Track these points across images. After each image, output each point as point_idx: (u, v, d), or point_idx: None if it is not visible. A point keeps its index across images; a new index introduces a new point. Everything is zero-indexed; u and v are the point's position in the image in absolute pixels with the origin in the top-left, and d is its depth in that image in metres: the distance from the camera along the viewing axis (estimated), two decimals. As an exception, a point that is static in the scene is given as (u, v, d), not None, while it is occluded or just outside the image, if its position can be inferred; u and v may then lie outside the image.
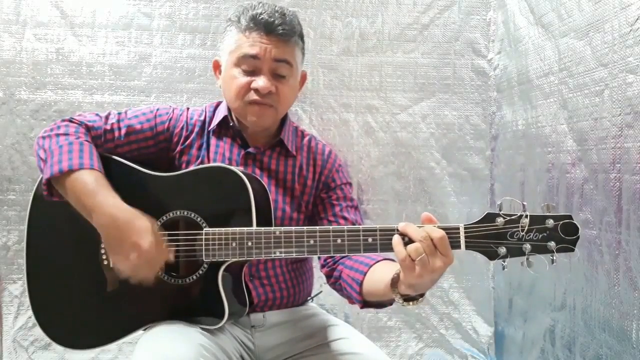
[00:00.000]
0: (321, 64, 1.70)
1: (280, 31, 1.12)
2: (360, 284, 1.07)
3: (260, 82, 1.12)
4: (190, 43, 1.68)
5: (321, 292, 1.30)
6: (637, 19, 1.05)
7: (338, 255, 1.16)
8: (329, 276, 1.20)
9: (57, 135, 1.08)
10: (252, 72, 1.14)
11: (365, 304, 1.09)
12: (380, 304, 1.09)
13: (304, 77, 1.29)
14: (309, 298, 1.34)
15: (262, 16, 1.12)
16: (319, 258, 1.22)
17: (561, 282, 1.35)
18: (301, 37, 1.21)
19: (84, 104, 1.65)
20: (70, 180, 1.01)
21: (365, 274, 1.08)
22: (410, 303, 0.96)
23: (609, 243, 1.15)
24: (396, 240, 0.91)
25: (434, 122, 1.73)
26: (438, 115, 1.73)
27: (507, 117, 1.66)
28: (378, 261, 1.09)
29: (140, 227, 0.97)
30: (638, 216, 1.06)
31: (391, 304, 1.07)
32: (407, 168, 1.73)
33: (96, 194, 0.99)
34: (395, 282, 0.95)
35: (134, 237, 0.95)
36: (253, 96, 1.14)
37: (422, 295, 0.96)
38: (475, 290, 1.75)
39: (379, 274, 1.04)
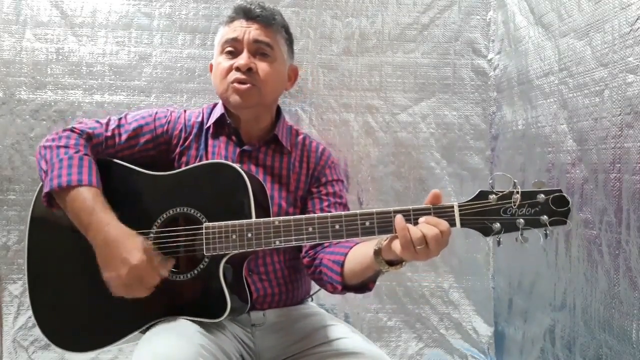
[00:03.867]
0: (321, 64, 1.70)
1: (259, 13, 1.19)
2: (342, 265, 1.10)
3: (241, 60, 1.17)
4: (190, 43, 1.68)
5: (320, 289, 1.30)
6: (637, 19, 1.05)
7: (320, 247, 1.19)
8: (309, 266, 1.21)
9: (58, 147, 1.10)
10: (235, 56, 1.19)
11: (345, 287, 1.11)
12: (360, 287, 1.11)
13: (294, 71, 1.31)
14: (308, 296, 1.34)
15: (240, 5, 1.22)
16: (301, 249, 1.23)
17: (561, 282, 1.35)
18: (285, 29, 1.26)
19: (84, 104, 1.65)
20: (69, 196, 1.04)
21: (346, 254, 1.10)
22: (394, 267, 1.00)
23: (609, 243, 1.15)
24: (400, 224, 0.92)
25: (434, 122, 1.73)
26: (438, 115, 1.73)
27: (507, 117, 1.66)
28: (356, 243, 1.11)
29: (130, 244, 0.99)
30: (638, 216, 1.06)
31: (370, 289, 1.11)
32: (407, 168, 1.73)
33: (92, 212, 1.02)
34: (378, 252, 0.99)
35: (123, 254, 0.98)
36: (235, 75, 1.18)
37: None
38: (475, 290, 1.75)
39: (360, 250, 1.07)
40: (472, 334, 1.75)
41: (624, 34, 1.09)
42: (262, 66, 1.19)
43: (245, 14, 1.20)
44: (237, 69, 1.17)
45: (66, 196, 1.04)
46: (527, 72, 1.51)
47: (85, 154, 1.10)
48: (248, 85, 1.17)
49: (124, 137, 1.18)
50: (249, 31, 1.19)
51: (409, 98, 1.73)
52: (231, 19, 1.22)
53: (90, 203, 1.02)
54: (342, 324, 1.22)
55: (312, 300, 1.36)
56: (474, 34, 1.74)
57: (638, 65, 1.05)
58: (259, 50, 1.19)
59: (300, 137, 1.32)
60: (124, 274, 0.97)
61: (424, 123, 1.73)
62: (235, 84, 1.17)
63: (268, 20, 1.20)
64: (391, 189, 1.73)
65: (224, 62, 1.20)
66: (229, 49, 1.20)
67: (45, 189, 1.05)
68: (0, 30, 1.63)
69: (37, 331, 1.60)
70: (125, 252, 0.98)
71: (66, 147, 1.10)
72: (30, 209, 1.14)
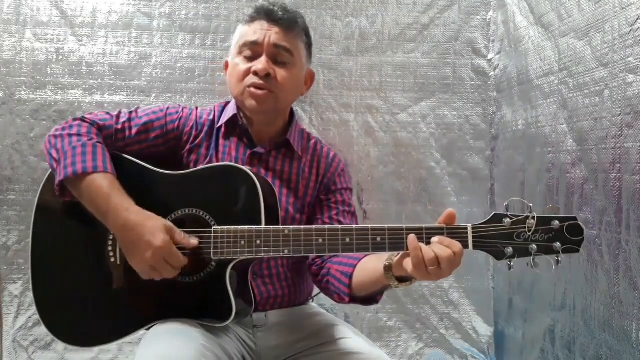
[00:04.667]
0: (321, 64, 1.70)
1: (281, 16, 1.17)
2: (350, 277, 1.09)
3: (259, 64, 1.15)
4: (190, 43, 1.68)
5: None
6: (637, 19, 1.05)
7: (327, 256, 1.18)
8: (316, 274, 1.21)
9: (70, 135, 1.08)
10: (254, 59, 1.17)
11: (352, 298, 1.10)
12: (366, 299, 1.10)
13: (310, 75, 1.30)
14: (309, 298, 1.34)
15: (263, 5, 1.19)
16: (309, 257, 1.23)
17: (561, 282, 1.35)
18: (306, 33, 1.24)
19: (84, 104, 1.65)
20: (84, 183, 1.02)
21: (355, 266, 1.09)
22: (404, 284, 0.99)
23: (609, 243, 1.15)
24: (413, 243, 0.91)
25: (434, 122, 1.73)
26: (438, 115, 1.73)
27: (507, 117, 1.66)
28: (365, 255, 1.10)
29: (152, 226, 0.98)
30: (638, 216, 1.06)
31: (377, 301, 1.11)
32: (407, 168, 1.73)
33: (110, 197, 1.00)
34: (388, 268, 0.98)
35: (146, 237, 0.96)
36: (252, 79, 1.16)
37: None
38: (475, 290, 1.75)
39: (369, 264, 1.06)
40: (472, 334, 1.75)
41: (624, 34, 1.09)
42: (280, 72, 1.17)
43: (267, 15, 1.18)
44: (255, 74, 1.15)
45: (81, 183, 1.02)
46: (527, 72, 1.51)
47: (99, 142, 1.09)
48: (265, 91, 1.15)
49: (134, 130, 1.17)
50: (270, 35, 1.16)
51: (409, 98, 1.73)
52: (252, 19, 1.19)
53: (107, 189, 1.01)
54: (343, 324, 1.22)
55: (312, 301, 1.36)
56: (474, 34, 1.74)
57: (638, 65, 1.05)
58: (278, 55, 1.17)
59: (312, 141, 1.30)
60: (149, 257, 0.96)
61: (424, 123, 1.73)
62: (252, 89, 1.15)
63: (290, 24, 1.18)
64: (391, 189, 1.73)
65: (242, 64, 1.18)
66: (248, 52, 1.18)
67: (59, 177, 1.03)
68: (0, 30, 1.63)
69: (37, 331, 1.61)
70: (148, 234, 0.96)
71: (78, 135, 1.09)
72: (36, 202, 1.13)
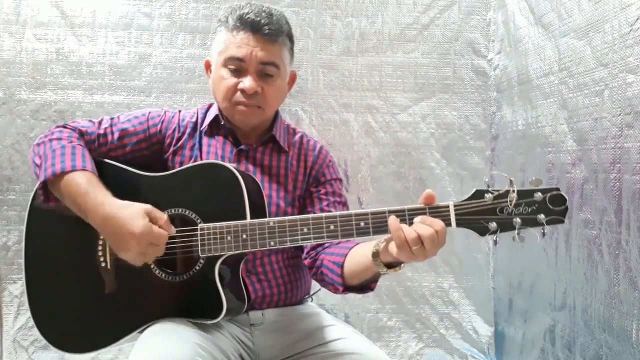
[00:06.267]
0: (321, 64, 1.70)
1: (267, 31, 1.14)
2: (342, 266, 1.09)
3: (247, 83, 1.14)
4: (190, 43, 1.68)
5: (320, 289, 1.30)
6: (637, 19, 1.05)
7: (320, 247, 1.19)
8: (311, 267, 1.21)
9: (51, 140, 1.10)
10: (239, 73, 1.16)
11: (347, 288, 1.11)
12: (361, 287, 1.10)
13: (293, 77, 1.30)
14: (307, 296, 1.34)
15: (248, 16, 1.14)
16: (301, 249, 1.24)
17: (561, 282, 1.35)
18: (290, 37, 1.22)
19: (84, 104, 1.65)
20: (64, 182, 1.03)
21: (345, 256, 1.10)
22: (393, 269, 0.99)
23: (609, 243, 1.15)
24: (394, 225, 0.91)
25: (434, 122, 1.73)
26: (438, 115, 1.73)
27: (507, 117, 1.66)
28: (357, 244, 1.11)
29: (128, 214, 0.98)
30: (638, 216, 1.06)
31: (372, 289, 1.10)
32: (407, 168, 1.73)
33: (87, 193, 1.01)
34: (376, 254, 0.98)
35: (125, 227, 0.97)
36: (240, 97, 1.15)
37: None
38: (475, 290, 1.75)
39: (359, 251, 1.07)
40: (472, 334, 1.75)
41: (624, 34, 1.09)
42: (267, 88, 1.17)
43: (253, 27, 1.13)
44: (243, 91, 1.15)
45: (60, 183, 1.03)
46: (527, 72, 1.51)
47: (79, 144, 1.11)
48: (253, 107, 1.16)
49: (116, 135, 1.18)
50: (256, 52, 1.14)
51: (409, 98, 1.73)
52: (236, 29, 1.15)
53: (84, 186, 1.02)
54: (342, 324, 1.22)
55: (312, 300, 1.36)
56: (474, 34, 1.74)
57: (638, 65, 1.05)
58: (264, 70, 1.16)
59: (298, 135, 1.31)
60: (134, 246, 0.97)
61: (424, 123, 1.73)
62: (240, 106, 1.16)
63: (275, 36, 1.15)
64: (391, 189, 1.73)
65: (228, 78, 1.16)
66: (233, 66, 1.16)
67: (40, 180, 1.05)
68: (0, 30, 1.63)
69: (37, 331, 1.61)
70: (126, 224, 0.97)
71: (59, 139, 1.10)
72: (27, 211, 1.14)
